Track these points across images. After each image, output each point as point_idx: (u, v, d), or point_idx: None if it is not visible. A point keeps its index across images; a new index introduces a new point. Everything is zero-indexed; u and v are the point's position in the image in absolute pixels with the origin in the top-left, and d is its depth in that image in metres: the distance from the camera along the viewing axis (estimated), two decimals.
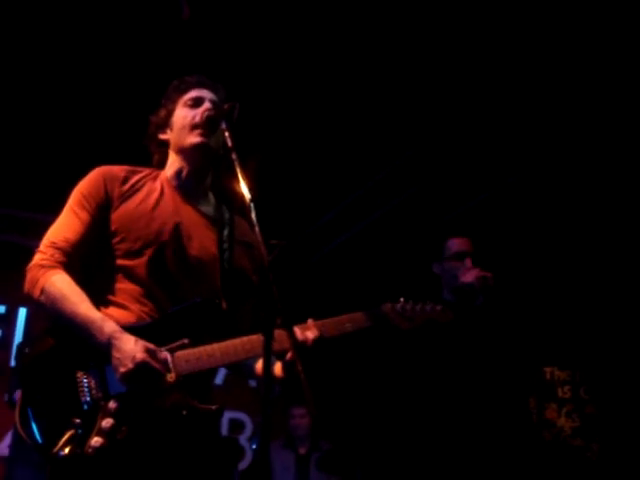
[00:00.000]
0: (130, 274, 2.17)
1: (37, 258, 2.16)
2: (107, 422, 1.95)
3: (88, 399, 2.00)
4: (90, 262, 2.21)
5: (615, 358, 4.62)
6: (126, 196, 2.24)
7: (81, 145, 5.08)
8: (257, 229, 1.85)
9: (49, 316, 2.14)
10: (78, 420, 1.96)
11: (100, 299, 2.14)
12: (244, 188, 1.92)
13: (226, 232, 2.33)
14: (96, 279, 2.20)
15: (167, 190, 2.32)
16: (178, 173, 2.35)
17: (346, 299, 2.55)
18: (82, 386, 2.02)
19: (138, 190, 2.28)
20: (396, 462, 5.91)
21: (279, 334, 1.87)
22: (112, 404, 1.99)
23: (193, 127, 2.29)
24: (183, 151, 2.34)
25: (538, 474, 3.48)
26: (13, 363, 4.82)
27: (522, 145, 4.99)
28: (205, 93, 2.37)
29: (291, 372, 2.07)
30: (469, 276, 3.33)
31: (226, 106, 2.18)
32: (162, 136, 2.39)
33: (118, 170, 2.31)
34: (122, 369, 1.97)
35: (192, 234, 2.26)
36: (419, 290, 2.69)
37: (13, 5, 4.00)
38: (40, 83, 4.65)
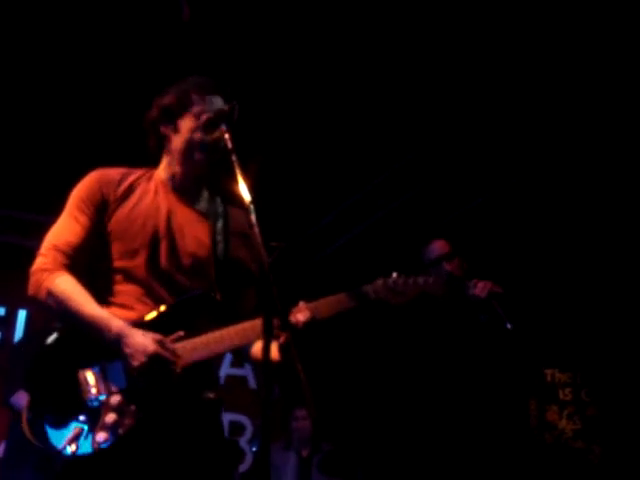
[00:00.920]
0: (129, 275, 2.21)
1: (39, 261, 2.19)
2: (110, 417, 2.01)
3: (91, 396, 2.04)
4: (91, 265, 2.25)
5: (616, 360, 4.61)
6: (121, 199, 2.27)
7: (81, 146, 5.08)
8: (257, 230, 1.85)
9: (55, 317, 2.19)
10: (83, 417, 2.02)
11: (103, 300, 2.17)
12: (244, 190, 1.92)
13: (220, 224, 2.35)
14: (98, 281, 2.23)
15: (161, 190, 2.34)
16: (173, 174, 2.36)
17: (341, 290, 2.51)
18: (85, 384, 2.06)
19: (133, 192, 2.30)
20: (396, 463, 5.91)
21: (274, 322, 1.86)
22: (114, 399, 2.04)
23: (201, 146, 2.28)
24: (182, 158, 2.33)
25: (539, 476, 3.48)
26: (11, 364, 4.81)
27: (521, 148, 4.98)
28: (216, 105, 2.30)
29: (287, 355, 2.06)
30: (481, 290, 3.34)
31: (226, 107, 2.18)
32: (164, 130, 2.35)
33: (113, 173, 2.33)
34: (135, 363, 2.02)
35: (186, 231, 2.29)
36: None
37: (13, 5, 4.00)
38: (40, 84, 4.66)
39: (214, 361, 2.25)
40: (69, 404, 2.04)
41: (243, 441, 6.85)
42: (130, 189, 2.30)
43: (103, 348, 2.07)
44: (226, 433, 6.69)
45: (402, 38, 4.20)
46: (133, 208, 2.26)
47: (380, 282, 2.34)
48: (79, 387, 2.05)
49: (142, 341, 2.04)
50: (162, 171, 2.38)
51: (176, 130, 2.32)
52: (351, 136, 5.14)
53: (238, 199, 1.94)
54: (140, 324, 2.12)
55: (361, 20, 4.09)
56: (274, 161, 5.14)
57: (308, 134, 5.13)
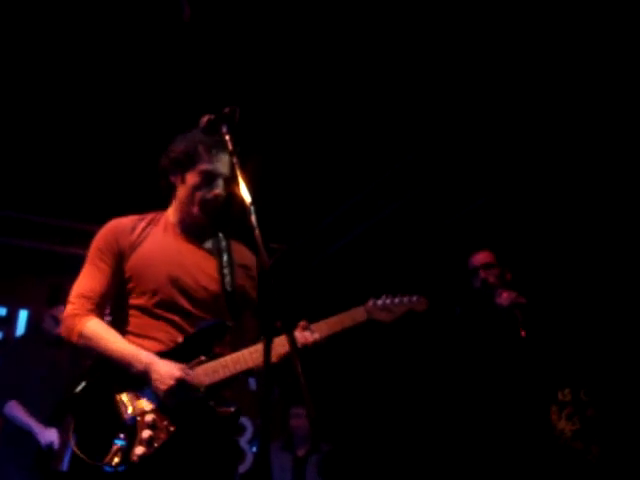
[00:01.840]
0: (149, 312, 2.50)
1: (69, 308, 2.49)
2: (146, 433, 2.31)
3: (128, 416, 2.35)
4: (114, 304, 2.57)
5: (615, 360, 4.62)
6: (136, 245, 2.56)
7: (80, 147, 5.09)
8: (257, 232, 1.86)
9: (88, 354, 2.50)
10: (122, 435, 2.32)
11: (128, 334, 2.48)
12: (244, 192, 1.93)
13: (225, 258, 2.64)
14: (121, 318, 2.54)
15: (171, 232, 2.62)
16: (180, 219, 2.63)
17: (346, 302, 2.66)
18: (122, 406, 2.37)
19: (145, 237, 2.59)
20: (396, 464, 5.92)
21: (281, 339, 2.11)
22: (148, 417, 2.34)
23: (200, 204, 2.56)
24: (186, 210, 2.60)
25: (538, 477, 3.49)
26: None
27: (522, 149, 4.99)
28: (221, 164, 2.55)
29: (288, 356, 2.27)
30: (504, 299, 3.58)
31: (227, 110, 2.21)
32: (173, 179, 2.62)
33: (126, 222, 2.61)
34: (164, 387, 2.33)
35: (197, 268, 2.57)
36: (417, 291, 2.77)
37: (13, 9, 4.01)
38: (40, 84, 4.66)
39: (231, 379, 2.49)
40: (110, 424, 2.34)
41: (243, 441, 6.86)
42: (143, 235, 2.59)
43: (136, 378, 2.38)
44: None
45: (402, 40, 4.21)
46: (146, 254, 2.54)
47: (371, 303, 2.66)
48: (117, 409, 2.36)
49: (169, 369, 2.34)
50: (171, 215, 2.66)
51: (183, 181, 2.60)
52: (350, 137, 5.14)
53: (239, 201, 1.95)
54: (165, 354, 2.42)
55: (361, 21, 4.10)
56: (274, 163, 5.16)
57: (307, 136, 5.14)
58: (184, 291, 2.52)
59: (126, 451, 2.29)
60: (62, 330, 2.52)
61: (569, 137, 4.75)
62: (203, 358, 2.45)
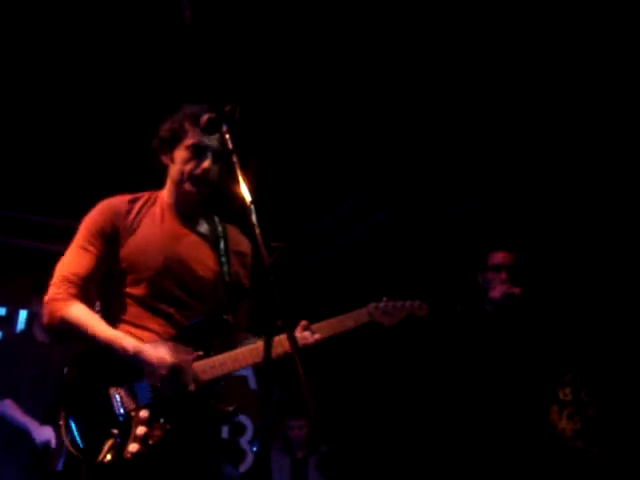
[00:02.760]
0: (144, 302, 2.40)
1: (51, 292, 2.38)
2: (141, 430, 2.21)
3: (122, 411, 2.26)
4: (107, 292, 2.46)
5: (617, 360, 4.61)
6: (131, 229, 2.44)
7: (80, 147, 5.09)
8: (257, 231, 1.86)
9: (73, 340, 2.44)
10: (116, 430, 2.23)
11: (122, 324, 2.38)
12: (244, 190, 1.93)
13: (222, 245, 2.55)
14: (115, 307, 2.43)
15: (167, 215, 2.51)
16: (175, 200, 2.53)
17: (345, 302, 2.66)
18: (115, 401, 2.28)
19: (141, 221, 2.47)
20: (396, 464, 5.91)
21: (281, 339, 2.03)
22: (143, 413, 2.25)
23: (191, 178, 2.46)
24: (178, 189, 2.51)
25: (539, 476, 3.48)
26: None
27: (524, 146, 4.99)
28: (210, 139, 2.45)
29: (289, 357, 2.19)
30: (497, 291, 3.58)
31: (227, 108, 2.20)
32: (164, 159, 2.54)
33: (120, 203, 2.49)
34: (157, 377, 2.25)
35: (194, 257, 2.48)
36: (417, 292, 2.77)
37: (14, 8, 4.00)
38: (40, 85, 4.66)
39: (227, 377, 2.43)
40: (103, 420, 2.24)
41: (244, 441, 6.86)
42: (138, 218, 2.47)
43: (129, 369, 2.28)
44: (227, 434, 6.71)
45: (403, 37, 4.21)
46: (142, 240, 2.43)
47: (372, 306, 2.61)
48: (111, 404, 2.26)
49: (157, 355, 2.25)
50: (166, 196, 2.56)
51: (172, 160, 2.52)
52: (350, 135, 5.14)
53: (239, 200, 1.95)
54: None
55: (360, 21, 4.10)
56: (273, 162, 5.15)
57: (307, 136, 5.14)
58: (181, 282, 2.42)
59: (119, 448, 2.20)
60: (44, 316, 2.40)
61: (569, 134, 4.75)
62: (201, 353, 2.35)
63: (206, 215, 2.61)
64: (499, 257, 3.78)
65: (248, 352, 2.36)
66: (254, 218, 1.88)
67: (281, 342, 2.09)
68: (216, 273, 2.49)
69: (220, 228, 2.58)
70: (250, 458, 6.77)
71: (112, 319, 2.37)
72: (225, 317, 2.42)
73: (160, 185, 2.62)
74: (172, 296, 2.40)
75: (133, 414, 2.25)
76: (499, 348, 3.57)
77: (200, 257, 2.49)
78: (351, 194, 5.96)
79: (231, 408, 2.36)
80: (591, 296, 4.93)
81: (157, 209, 2.52)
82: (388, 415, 6.22)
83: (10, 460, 4.44)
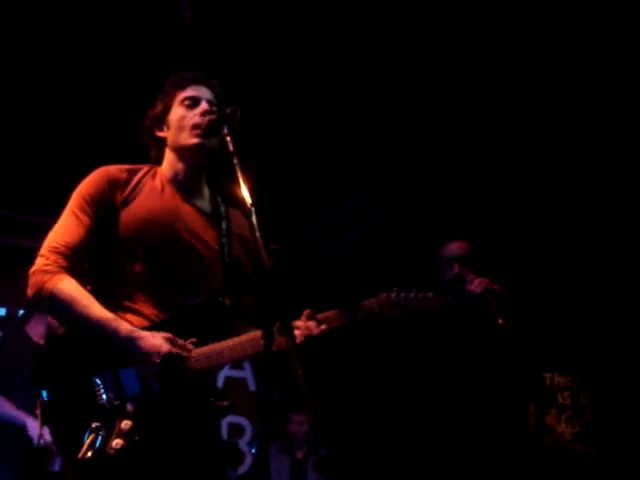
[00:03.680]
0: (138, 278, 2.21)
1: (39, 263, 2.17)
2: (126, 424, 2.02)
3: (105, 402, 2.05)
4: (99, 267, 2.25)
5: (615, 364, 4.61)
6: (129, 200, 2.27)
7: (80, 147, 5.09)
8: (258, 234, 1.85)
9: (57, 319, 2.20)
10: (98, 424, 2.02)
11: (112, 304, 2.16)
12: (245, 192, 1.92)
13: (224, 226, 2.38)
14: (106, 284, 2.23)
15: (167, 189, 2.35)
16: (176, 172, 2.38)
17: (344, 303, 2.57)
18: (99, 390, 2.07)
19: (140, 192, 2.30)
20: (394, 466, 5.91)
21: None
22: (129, 406, 2.05)
23: (191, 128, 2.32)
24: (180, 150, 2.37)
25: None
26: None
27: (521, 150, 4.99)
28: (202, 91, 2.39)
29: (287, 359, 2.04)
30: (476, 286, 3.35)
31: (228, 110, 2.19)
32: (159, 133, 2.42)
33: (119, 172, 2.32)
34: (150, 365, 2.04)
35: (193, 233, 2.31)
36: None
37: (13, 5, 4.00)
38: (41, 85, 4.66)
39: (219, 368, 2.28)
40: (84, 411, 2.04)
41: (242, 443, 6.85)
42: (136, 189, 2.30)
43: (115, 354, 2.07)
44: (225, 435, 6.71)
45: (400, 44, 4.21)
46: (140, 211, 2.26)
47: (383, 296, 2.41)
48: (94, 394, 2.06)
49: (154, 342, 2.05)
50: (166, 169, 2.40)
51: (169, 127, 2.39)
52: (349, 139, 5.14)
53: (239, 201, 1.94)
54: (149, 329, 2.12)
55: (359, 28, 4.10)
56: (274, 164, 5.15)
57: (307, 138, 5.14)
58: (178, 258, 2.24)
59: (102, 443, 2.00)
60: (29, 287, 2.16)
61: (564, 140, 4.75)
62: (195, 340, 2.15)
63: (209, 194, 2.47)
64: (458, 246, 3.57)
65: (248, 341, 2.16)
66: (254, 220, 1.88)
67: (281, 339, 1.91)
68: (215, 252, 2.32)
69: (223, 209, 2.43)
70: (249, 460, 6.76)
71: (103, 299, 2.15)
72: (222, 300, 2.23)
73: None
74: (168, 273, 2.22)
75: (118, 406, 2.05)
76: (475, 343, 3.44)
77: (200, 234, 2.32)
78: (350, 197, 5.96)
79: (226, 403, 2.16)
80: (590, 300, 4.93)
81: (157, 182, 2.35)
82: (386, 416, 6.21)
83: (4, 462, 4.36)
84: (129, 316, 2.16)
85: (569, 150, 4.83)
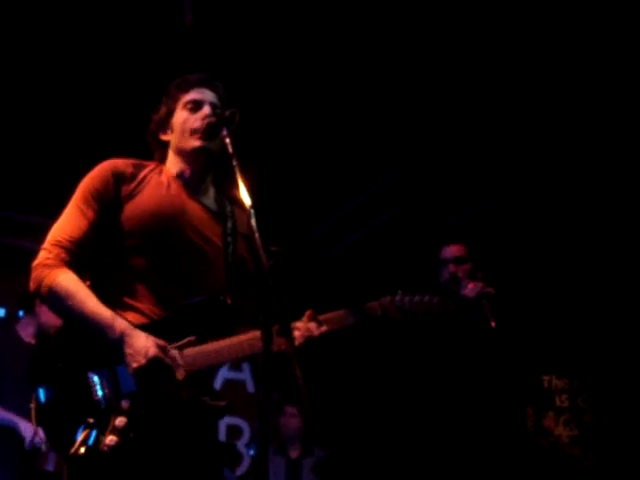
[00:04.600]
0: (139, 272, 2.19)
1: (42, 256, 2.15)
2: (121, 421, 1.98)
3: (101, 399, 2.02)
4: (100, 262, 2.22)
5: (613, 367, 4.62)
6: (134, 194, 2.25)
7: (80, 148, 5.08)
8: (257, 236, 1.86)
9: (55, 313, 2.18)
10: (92, 420, 1.99)
11: (110, 299, 2.13)
12: (244, 194, 1.93)
13: (229, 225, 2.35)
14: (106, 279, 2.21)
15: (173, 185, 2.33)
16: (181, 172, 2.37)
17: (345, 305, 2.53)
18: (94, 386, 2.04)
19: (145, 186, 2.28)
20: (392, 467, 5.91)
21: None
22: (125, 403, 2.01)
23: (193, 132, 2.31)
24: (183, 154, 2.36)
25: None
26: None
27: (521, 154, 5.00)
28: (205, 94, 2.38)
29: (286, 361, 1.98)
30: (470, 291, 3.35)
31: (227, 113, 2.19)
32: (163, 136, 2.41)
33: (125, 166, 2.31)
34: (135, 364, 1.99)
35: (198, 229, 2.28)
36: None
37: (15, 5, 4.01)
38: (43, 86, 4.66)
39: (217, 368, 2.27)
40: (78, 407, 2.01)
41: (240, 444, 6.85)
42: (142, 183, 2.28)
43: (112, 350, 2.05)
44: (224, 436, 6.70)
45: (402, 48, 4.22)
46: (145, 205, 2.23)
47: (387, 299, 2.35)
48: (89, 390, 2.03)
49: (144, 344, 2.01)
50: (171, 168, 2.39)
51: (172, 130, 2.38)
52: (349, 142, 5.15)
53: (240, 202, 1.95)
54: (148, 326, 2.09)
55: (361, 33, 4.11)
56: (274, 166, 5.16)
57: (307, 140, 5.14)
58: (181, 253, 2.21)
59: (95, 440, 1.96)
60: (30, 281, 2.14)
61: (565, 142, 4.76)
62: (193, 339, 2.11)
63: (215, 193, 2.44)
64: (457, 250, 3.65)
65: (247, 341, 2.11)
66: (254, 222, 1.88)
67: (281, 340, 1.89)
68: (219, 250, 2.29)
69: (229, 208, 2.39)
70: (247, 462, 6.76)
71: (102, 295, 2.11)
72: (223, 298, 2.19)
73: None
74: (170, 267, 2.19)
75: (113, 402, 2.01)
76: (469, 346, 3.47)
77: (204, 230, 2.29)
78: (350, 199, 5.96)
79: (222, 403, 2.12)
80: (588, 303, 4.94)
81: (163, 178, 2.33)
82: (383, 418, 6.22)
83: (3, 465, 4.35)
84: (128, 313, 2.13)
85: (568, 155, 4.83)
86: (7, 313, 6.33)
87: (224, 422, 6.68)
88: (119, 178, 2.25)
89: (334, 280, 6.71)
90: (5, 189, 5.69)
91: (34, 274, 2.14)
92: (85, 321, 2.06)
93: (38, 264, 2.14)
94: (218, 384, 6.18)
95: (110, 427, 1.97)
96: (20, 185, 5.67)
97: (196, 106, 2.35)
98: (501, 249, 5.22)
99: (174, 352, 2.06)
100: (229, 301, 2.21)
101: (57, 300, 2.10)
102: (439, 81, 4.49)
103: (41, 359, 2.13)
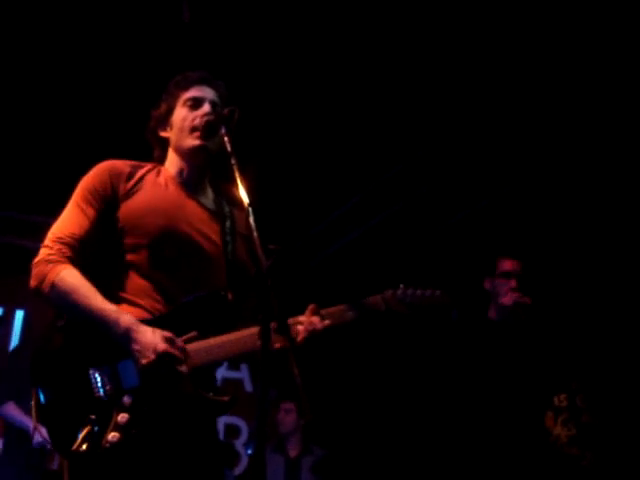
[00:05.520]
0: (139, 270, 2.19)
1: (43, 253, 2.14)
2: (123, 417, 1.97)
3: (102, 395, 2.01)
4: (99, 259, 2.21)
5: (612, 367, 4.62)
6: (131, 192, 2.25)
7: (80, 148, 5.08)
8: (255, 234, 1.85)
9: (58, 310, 2.15)
10: (94, 416, 1.97)
11: (111, 295, 2.12)
12: (243, 193, 1.92)
13: (228, 224, 2.35)
14: (105, 276, 2.20)
15: (171, 185, 2.34)
16: (179, 171, 2.38)
17: (349, 300, 2.51)
18: (95, 382, 2.02)
19: (143, 185, 2.29)
20: (388, 468, 5.91)
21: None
22: (127, 399, 2.01)
23: (192, 130, 2.32)
24: (182, 152, 2.37)
25: None
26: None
27: (518, 154, 5.00)
28: (206, 92, 2.38)
29: (284, 359, 1.99)
30: (508, 298, 3.60)
31: (225, 111, 2.19)
32: (162, 133, 2.41)
33: (122, 165, 2.32)
34: (144, 360, 1.99)
35: (197, 227, 2.28)
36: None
37: (14, 4, 4.01)
38: (42, 84, 4.66)
39: (219, 364, 2.24)
40: (80, 403, 2.00)
41: (238, 444, 6.84)
42: (140, 182, 2.29)
43: (114, 347, 2.04)
44: (222, 436, 6.70)
45: (399, 47, 4.23)
46: (143, 202, 2.24)
47: (389, 293, 2.38)
48: (90, 386, 2.02)
49: (152, 339, 2.00)
50: (169, 167, 2.40)
51: (171, 127, 2.38)
52: (349, 139, 5.15)
53: (238, 200, 1.94)
54: (150, 322, 2.08)
55: (359, 32, 4.11)
56: (272, 163, 5.16)
57: (306, 137, 5.14)
58: (182, 251, 2.21)
59: (97, 437, 1.94)
60: (32, 277, 2.12)
61: (569, 137, 4.75)
62: (195, 334, 2.10)
63: (214, 194, 2.45)
64: (509, 264, 3.77)
65: (249, 336, 2.11)
66: (252, 220, 1.87)
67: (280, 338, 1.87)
68: (219, 249, 2.29)
69: (227, 209, 2.40)
70: (245, 461, 6.76)
71: (102, 292, 2.10)
72: (224, 294, 2.19)
73: None
74: (169, 264, 2.19)
75: (115, 398, 2.00)
76: (503, 356, 3.58)
77: (203, 229, 2.29)
78: (349, 197, 5.96)
79: (226, 398, 2.10)
80: (587, 303, 4.94)
81: (161, 178, 2.34)
82: (385, 419, 6.22)
83: (9, 461, 4.43)
84: (129, 309, 2.13)
85: (566, 154, 4.83)
86: (4, 312, 6.33)
87: (222, 421, 6.68)
88: (117, 177, 2.26)
89: (333, 278, 6.71)
90: (4, 188, 5.69)
91: (35, 270, 2.12)
92: (90, 317, 2.05)
93: (40, 260, 2.13)
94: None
95: (112, 424, 1.96)
96: (20, 184, 5.67)
97: (196, 103, 2.35)
98: (498, 248, 5.21)
99: (180, 342, 2.05)
100: (230, 297, 2.21)
101: (61, 295, 2.07)
102: (438, 81, 4.49)
103: (41, 358, 2.10)
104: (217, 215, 2.37)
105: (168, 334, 2.04)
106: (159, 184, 2.32)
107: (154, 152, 2.46)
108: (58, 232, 2.18)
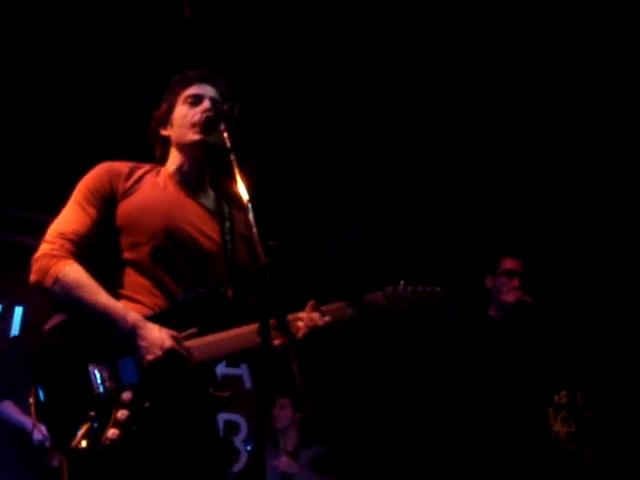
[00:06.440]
0: (138, 267, 2.20)
1: (45, 248, 2.13)
2: (122, 413, 1.96)
3: (102, 391, 2.00)
4: (99, 257, 2.21)
5: (612, 364, 4.62)
6: (130, 192, 2.27)
7: (80, 146, 5.08)
8: (254, 230, 1.85)
9: (60, 305, 2.13)
10: (93, 413, 1.96)
11: (112, 292, 2.12)
12: (242, 189, 1.92)
13: (227, 224, 2.36)
14: (105, 274, 2.19)
15: (170, 184, 2.35)
16: (179, 168, 2.39)
17: (349, 296, 2.51)
18: (95, 379, 2.01)
19: (141, 185, 2.30)
20: (388, 464, 5.92)
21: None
22: (126, 395, 1.99)
23: (192, 126, 2.33)
24: (183, 148, 2.38)
25: (534, 478, 3.50)
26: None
27: (517, 152, 5.00)
28: (206, 89, 2.40)
29: (284, 356, 1.97)
30: (511, 296, 3.69)
31: (225, 107, 2.19)
32: (163, 132, 2.43)
33: (121, 166, 2.33)
34: (150, 357, 1.99)
35: (196, 226, 2.29)
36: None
37: (14, 4, 4.00)
38: (41, 82, 4.65)
39: (219, 360, 2.23)
40: (79, 400, 1.98)
41: (238, 440, 6.85)
42: (139, 182, 2.30)
43: (114, 343, 2.04)
44: (221, 432, 6.69)
45: (397, 44, 4.22)
46: (142, 201, 2.25)
47: (390, 289, 2.41)
48: (89, 383, 2.01)
49: (158, 336, 2.00)
50: (170, 164, 2.42)
51: (172, 125, 2.40)
52: (349, 135, 5.15)
53: (237, 199, 1.94)
54: (150, 318, 2.08)
55: (358, 30, 4.11)
56: (272, 160, 5.15)
57: (306, 134, 5.14)
58: (181, 249, 2.22)
59: (96, 433, 1.93)
60: (32, 272, 2.10)
61: (570, 135, 4.75)
62: (196, 330, 2.10)
63: (214, 194, 2.46)
64: (512, 263, 3.84)
65: (249, 333, 2.11)
66: (251, 217, 1.87)
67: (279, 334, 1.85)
68: (218, 247, 2.30)
69: (227, 209, 2.41)
70: (244, 458, 6.76)
71: (106, 288, 2.10)
72: (224, 290, 2.21)
73: None
74: (169, 261, 2.20)
75: (114, 395, 1.99)
76: (504, 353, 3.60)
77: (203, 228, 2.31)
78: (349, 193, 5.96)
79: (226, 393, 2.09)
80: (587, 301, 4.94)
81: (160, 179, 2.36)
82: (385, 416, 6.22)
83: (9, 458, 4.43)
84: (129, 303, 2.13)
85: (568, 154, 4.83)
86: (4, 308, 6.33)
87: (221, 418, 6.68)
88: (115, 177, 2.27)
89: (333, 275, 6.71)
90: (3, 186, 5.68)
91: (37, 265, 2.11)
92: (95, 312, 2.04)
93: (42, 255, 2.12)
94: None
95: (112, 420, 1.95)
96: (20, 182, 5.66)
97: (196, 100, 2.37)
98: (497, 247, 5.22)
99: (185, 341, 2.06)
100: (230, 294, 2.22)
101: (65, 290, 2.06)
102: (438, 76, 4.49)
103: (42, 355, 2.07)
104: (216, 215, 2.38)
105: (174, 333, 2.04)
106: (158, 184, 2.34)
107: (155, 151, 2.47)
108: (60, 228, 2.17)
